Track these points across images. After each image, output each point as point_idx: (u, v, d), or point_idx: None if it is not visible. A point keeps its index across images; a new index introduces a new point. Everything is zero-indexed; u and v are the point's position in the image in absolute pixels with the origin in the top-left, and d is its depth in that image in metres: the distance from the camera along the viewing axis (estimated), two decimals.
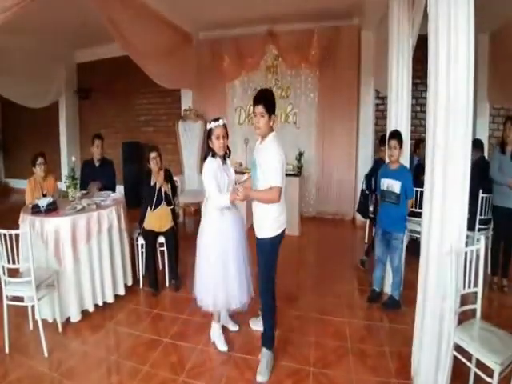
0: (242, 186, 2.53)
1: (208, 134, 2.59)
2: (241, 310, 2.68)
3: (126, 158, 7.20)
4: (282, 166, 2.36)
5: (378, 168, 3.75)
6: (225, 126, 2.58)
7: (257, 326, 2.89)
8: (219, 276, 2.58)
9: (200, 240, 2.70)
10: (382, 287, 3.49)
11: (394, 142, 3.20)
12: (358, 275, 4.01)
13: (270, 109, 2.38)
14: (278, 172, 2.33)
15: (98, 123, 7.81)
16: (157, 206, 3.64)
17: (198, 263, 2.71)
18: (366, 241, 4.85)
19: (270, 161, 2.35)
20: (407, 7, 3.19)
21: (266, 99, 2.39)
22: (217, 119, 2.56)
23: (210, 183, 2.52)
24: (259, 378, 2.42)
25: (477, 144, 3.68)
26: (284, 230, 2.55)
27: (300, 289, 3.71)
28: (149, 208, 3.65)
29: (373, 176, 4.26)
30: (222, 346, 2.73)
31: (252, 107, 2.49)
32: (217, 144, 2.54)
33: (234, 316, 3.01)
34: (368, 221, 4.83)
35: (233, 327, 2.98)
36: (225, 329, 2.96)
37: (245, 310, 2.71)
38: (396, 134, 3.24)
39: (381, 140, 4.27)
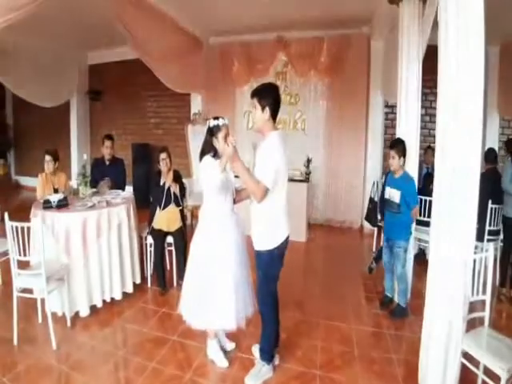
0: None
1: (211, 132, 2.34)
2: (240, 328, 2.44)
3: (136, 159, 7.28)
4: (276, 166, 2.11)
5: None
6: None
7: None
8: (212, 289, 2.36)
9: (192, 247, 2.49)
10: (393, 294, 3.45)
11: (392, 152, 3.23)
12: (365, 282, 3.99)
13: (262, 100, 2.16)
14: (270, 172, 2.09)
15: (109, 125, 7.90)
16: (166, 205, 3.66)
17: (188, 275, 2.49)
18: (374, 249, 4.84)
19: (264, 159, 2.14)
20: (417, 17, 3.24)
21: (258, 91, 2.22)
22: (221, 118, 2.36)
23: (210, 179, 2.30)
24: (247, 381, 2.36)
25: (490, 154, 3.66)
26: (286, 241, 2.31)
27: (307, 294, 3.70)
28: (158, 208, 3.68)
29: None
30: (222, 363, 2.52)
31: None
32: (222, 144, 2.17)
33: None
34: (376, 229, 4.82)
35: (228, 347, 2.71)
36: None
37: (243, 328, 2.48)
38: (395, 144, 3.23)
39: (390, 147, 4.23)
